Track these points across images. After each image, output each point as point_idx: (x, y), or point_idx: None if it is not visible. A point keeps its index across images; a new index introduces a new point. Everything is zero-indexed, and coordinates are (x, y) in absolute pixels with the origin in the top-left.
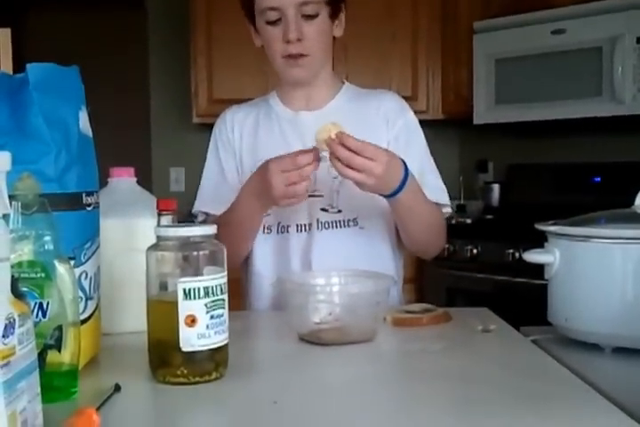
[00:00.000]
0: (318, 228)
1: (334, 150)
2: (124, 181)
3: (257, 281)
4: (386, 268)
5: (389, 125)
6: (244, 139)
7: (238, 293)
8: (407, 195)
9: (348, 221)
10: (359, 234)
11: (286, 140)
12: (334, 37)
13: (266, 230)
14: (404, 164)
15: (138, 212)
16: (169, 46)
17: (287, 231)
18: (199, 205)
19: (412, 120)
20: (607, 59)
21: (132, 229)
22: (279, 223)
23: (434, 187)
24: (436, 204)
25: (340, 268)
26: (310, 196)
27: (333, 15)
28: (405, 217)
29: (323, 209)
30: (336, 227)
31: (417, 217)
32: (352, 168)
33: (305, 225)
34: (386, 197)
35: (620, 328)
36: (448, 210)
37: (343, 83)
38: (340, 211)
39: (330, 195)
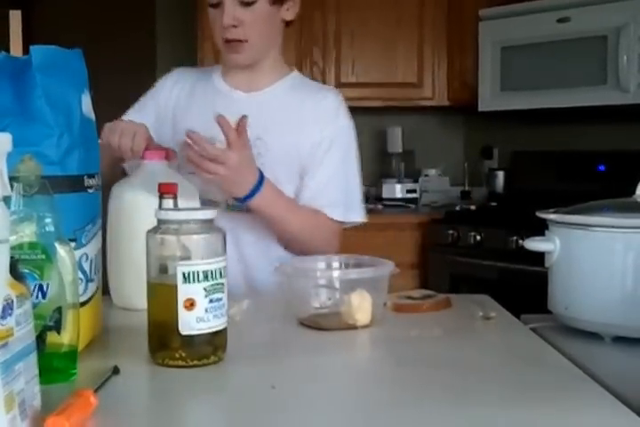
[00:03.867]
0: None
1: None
2: (156, 163)
3: None
4: (273, 252)
5: (321, 125)
6: (180, 101)
7: None
8: (262, 201)
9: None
10: (249, 218)
11: (212, 114)
12: (287, 22)
13: None
14: (261, 173)
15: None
16: (176, 31)
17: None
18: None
19: (342, 127)
20: (612, 48)
21: None
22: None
23: (332, 200)
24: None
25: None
26: None
27: (277, 1)
28: (267, 221)
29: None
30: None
31: (279, 224)
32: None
33: (211, 200)
34: (240, 200)
35: (620, 317)
36: (331, 212)
37: (292, 70)
38: None
39: None
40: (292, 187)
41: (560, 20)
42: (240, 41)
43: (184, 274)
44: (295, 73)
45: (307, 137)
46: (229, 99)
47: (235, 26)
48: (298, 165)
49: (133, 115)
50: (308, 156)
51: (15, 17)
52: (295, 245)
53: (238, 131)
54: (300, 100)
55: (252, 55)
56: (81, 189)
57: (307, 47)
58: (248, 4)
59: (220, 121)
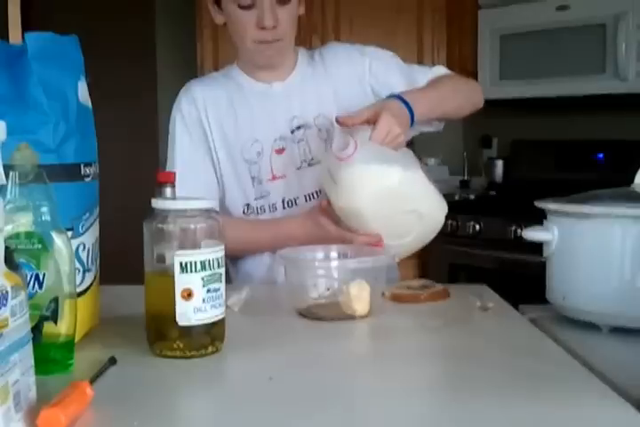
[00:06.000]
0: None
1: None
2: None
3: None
4: None
5: (356, 62)
6: (222, 119)
7: None
8: (421, 107)
9: None
10: None
11: (267, 115)
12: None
13: (270, 209)
14: (391, 96)
15: None
16: (176, 18)
17: (295, 204)
18: None
19: (370, 49)
20: (611, 36)
21: None
22: (284, 199)
23: (422, 73)
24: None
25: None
26: (310, 165)
27: None
28: (439, 115)
29: None
30: None
31: (445, 107)
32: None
33: (313, 193)
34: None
35: (617, 308)
36: (443, 70)
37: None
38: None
39: None
40: None
41: (559, 8)
42: (276, 40)
43: (181, 264)
44: (299, 48)
45: (356, 86)
46: (269, 94)
47: (274, 26)
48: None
49: (195, 165)
50: (373, 90)
51: (13, 1)
52: (464, 108)
53: (353, 118)
54: (322, 64)
55: (284, 52)
56: (78, 178)
57: (306, 34)
58: (285, 3)
59: (342, 120)
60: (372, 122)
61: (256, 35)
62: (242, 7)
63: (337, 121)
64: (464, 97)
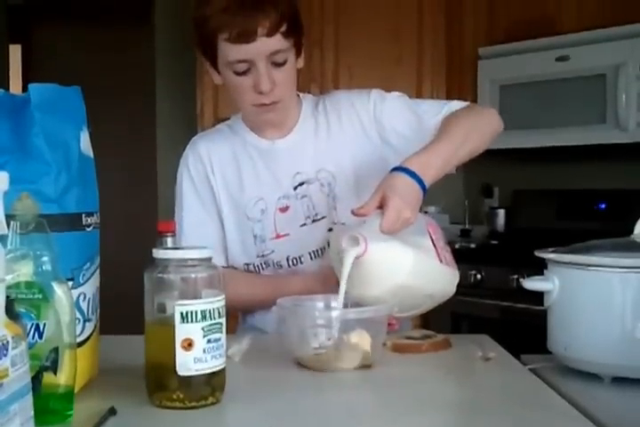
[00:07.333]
0: None
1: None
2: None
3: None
4: None
5: (359, 110)
6: (227, 175)
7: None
8: (433, 170)
9: None
10: None
11: (271, 173)
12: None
13: (274, 266)
14: (396, 168)
15: None
16: (175, 64)
17: (300, 262)
18: None
19: (375, 94)
20: (611, 86)
21: None
22: (288, 257)
23: (433, 113)
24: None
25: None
26: (314, 221)
27: (298, 53)
28: (454, 165)
29: (330, 230)
30: None
31: (460, 155)
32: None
33: (318, 250)
34: (425, 190)
35: (619, 358)
36: (457, 106)
37: (300, 97)
38: (343, 224)
39: (330, 213)
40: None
41: (559, 59)
42: (274, 102)
43: (182, 313)
44: (302, 96)
45: (360, 136)
46: (273, 151)
47: (272, 89)
48: (377, 159)
49: (202, 222)
50: (380, 136)
51: (14, 51)
52: (483, 143)
53: (366, 208)
54: (324, 114)
55: (284, 111)
56: (79, 228)
57: (305, 84)
58: (281, 65)
59: (356, 212)
60: (380, 206)
61: (254, 99)
62: (237, 73)
63: (352, 213)
64: (482, 132)
